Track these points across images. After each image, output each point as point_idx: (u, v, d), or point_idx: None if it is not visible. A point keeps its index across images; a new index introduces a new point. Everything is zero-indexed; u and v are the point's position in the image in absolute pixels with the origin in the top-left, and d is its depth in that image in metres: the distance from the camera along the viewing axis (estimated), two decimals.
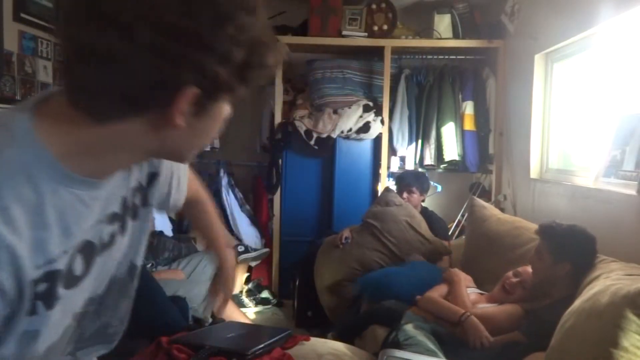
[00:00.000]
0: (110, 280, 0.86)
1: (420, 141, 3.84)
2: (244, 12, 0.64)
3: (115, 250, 0.84)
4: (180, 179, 1.03)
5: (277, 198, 3.87)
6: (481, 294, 2.34)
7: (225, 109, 0.72)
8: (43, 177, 0.66)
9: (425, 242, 3.01)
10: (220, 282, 1.29)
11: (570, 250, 1.99)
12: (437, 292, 2.30)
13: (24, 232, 0.64)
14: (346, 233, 3.10)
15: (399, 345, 1.94)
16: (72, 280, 0.74)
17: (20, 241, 0.64)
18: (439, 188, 3.99)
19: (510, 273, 2.19)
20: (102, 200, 0.76)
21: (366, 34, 3.71)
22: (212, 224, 1.27)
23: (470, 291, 2.32)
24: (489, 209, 3.00)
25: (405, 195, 3.24)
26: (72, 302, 0.77)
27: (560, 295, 1.95)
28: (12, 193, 0.63)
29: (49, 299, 0.70)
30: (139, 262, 0.92)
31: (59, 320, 0.75)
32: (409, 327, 2.04)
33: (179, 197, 1.04)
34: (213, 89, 0.66)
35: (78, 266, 0.75)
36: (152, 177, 0.90)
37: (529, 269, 2.16)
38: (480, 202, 3.10)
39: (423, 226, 3.08)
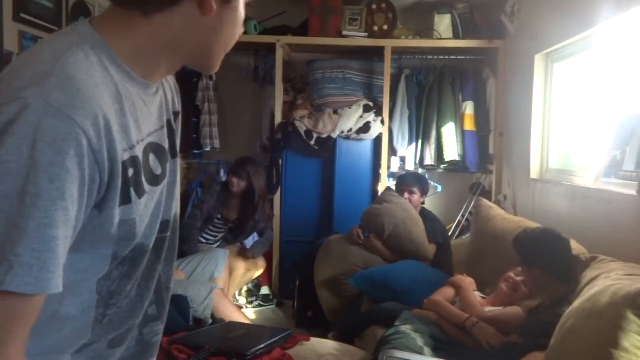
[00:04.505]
0: (171, 212, 0.89)
1: (420, 141, 3.84)
2: None
3: (171, 173, 0.87)
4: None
5: (277, 198, 3.87)
6: (482, 297, 2.34)
7: (242, 8, 0.77)
8: (115, 72, 0.73)
9: (412, 242, 3.00)
10: None
11: (535, 255, 2.00)
12: (442, 295, 2.30)
13: (112, 118, 0.69)
14: (359, 230, 3.10)
15: (388, 341, 1.95)
16: (153, 178, 0.79)
17: (113, 119, 0.69)
18: (439, 188, 3.99)
19: (511, 273, 2.20)
20: (156, 106, 0.82)
21: (366, 34, 3.71)
22: None
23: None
24: (495, 209, 3.02)
25: (406, 195, 3.24)
26: (148, 209, 0.80)
27: (554, 296, 1.96)
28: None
29: (138, 186, 0.75)
30: (172, 217, 0.90)
31: (147, 224, 0.80)
32: (404, 327, 2.05)
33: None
34: None
35: (155, 165, 0.80)
36: (176, 115, 0.93)
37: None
38: (486, 202, 3.12)
39: (419, 224, 3.08)
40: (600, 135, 2.47)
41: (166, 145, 0.84)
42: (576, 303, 1.61)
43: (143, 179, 0.76)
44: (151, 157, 0.79)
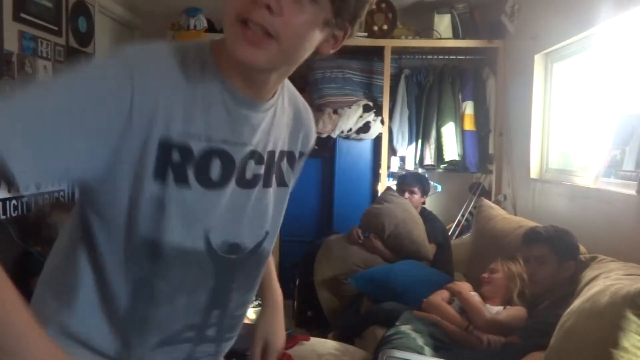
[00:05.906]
0: (248, 239, 0.87)
1: (420, 141, 3.84)
2: None
3: (256, 201, 0.86)
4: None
5: None
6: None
7: None
8: (207, 73, 0.77)
9: (412, 242, 3.00)
10: None
11: (571, 248, 2.05)
12: (440, 297, 2.30)
13: (178, 98, 0.74)
14: (359, 230, 3.10)
15: (389, 341, 1.95)
16: (206, 180, 0.79)
17: (173, 100, 0.74)
18: (439, 188, 3.99)
19: (485, 274, 2.24)
20: (251, 125, 0.81)
21: (366, 34, 3.71)
22: None
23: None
24: (496, 209, 3.03)
25: (407, 195, 3.24)
26: (202, 210, 0.80)
27: (556, 296, 1.96)
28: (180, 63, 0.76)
29: (180, 174, 0.76)
30: (273, 234, 0.93)
31: (186, 224, 0.78)
32: (404, 328, 2.05)
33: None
34: None
35: (215, 170, 0.79)
36: (301, 155, 0.96)
37: (497, 271, 2.22)
38: (488, 202, 3.13)
39: (419, 225, 3.08)
40: (600, 135, 2.47)
41: (237, 158, 0.82)
42: (576, 303, 1.61)
43: (189, 172, 0.77)
44: (215, 161, 0.79)
